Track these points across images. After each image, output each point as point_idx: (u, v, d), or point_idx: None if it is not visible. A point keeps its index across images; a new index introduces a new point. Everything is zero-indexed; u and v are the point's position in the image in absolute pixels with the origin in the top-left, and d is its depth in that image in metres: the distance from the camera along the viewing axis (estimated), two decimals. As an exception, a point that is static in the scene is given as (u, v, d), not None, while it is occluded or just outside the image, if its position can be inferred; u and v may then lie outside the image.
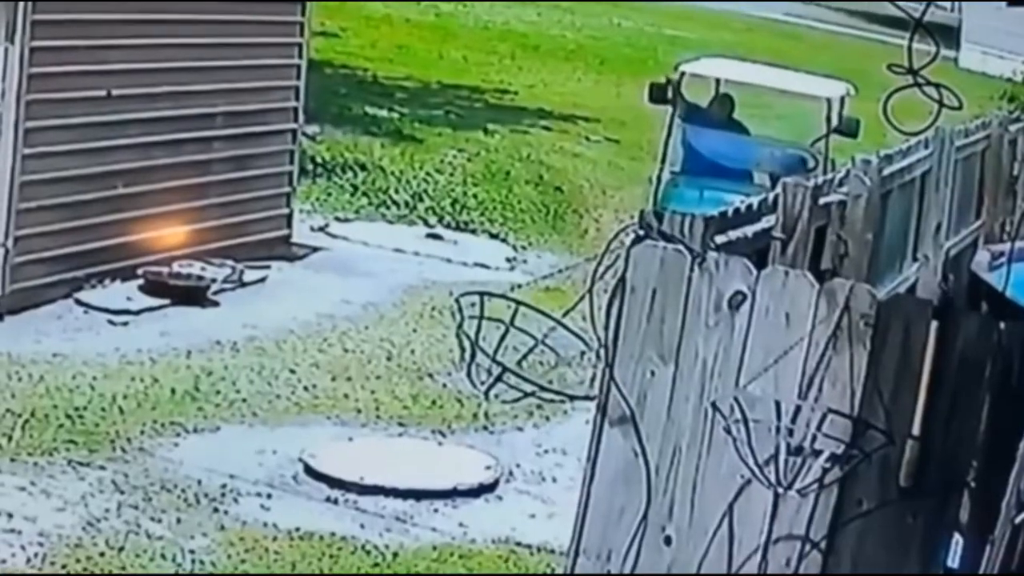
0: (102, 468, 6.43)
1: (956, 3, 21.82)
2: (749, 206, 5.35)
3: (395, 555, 5.95)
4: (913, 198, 8.22)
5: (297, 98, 10.26)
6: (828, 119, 10.26)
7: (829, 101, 10.37)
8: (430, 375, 8.10)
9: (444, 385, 7.93)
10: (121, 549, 5.72)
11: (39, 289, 8.57)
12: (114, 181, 9.01)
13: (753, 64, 12.15)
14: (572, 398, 7.74)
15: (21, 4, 8.21)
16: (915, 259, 8.41)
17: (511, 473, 6.85)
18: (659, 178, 10.63)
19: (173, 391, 7.43)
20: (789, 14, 25.20)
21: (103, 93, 8.82)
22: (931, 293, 7.83)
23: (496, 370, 8.23)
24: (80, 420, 6.91)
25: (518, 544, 6.13)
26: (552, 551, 5.93)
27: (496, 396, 8.38)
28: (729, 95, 10.91)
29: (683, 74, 10.53)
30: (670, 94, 10.45)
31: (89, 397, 7.19)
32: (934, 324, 3.65)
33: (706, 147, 10.52)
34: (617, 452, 3.92)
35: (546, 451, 7.17)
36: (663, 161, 10.63)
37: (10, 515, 5.92)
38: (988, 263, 4.35)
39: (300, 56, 10.23)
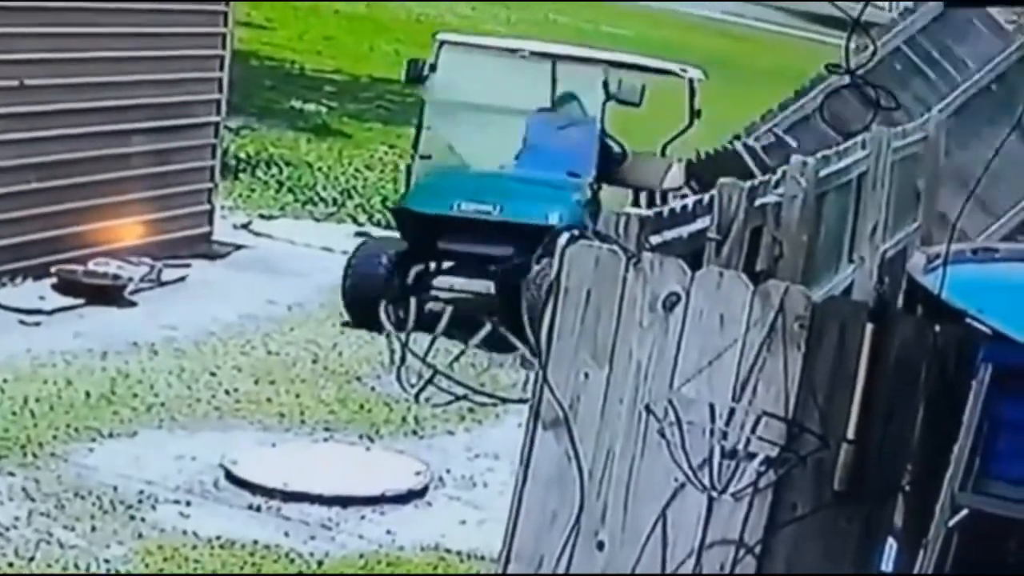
0: (11, 474, 6.37)
1: (894, 3, 22.26)
2: (684, 207, 5.43)
3: (320, 563, 5.95)
4: (849, 199, 8.39)
5: (220, 90, 10.21)
6: (605, 85, 9.28)
7: (606, 67, 9.43)
8: (358, 378, 8.10)
9: (372, 388, 7.94)
10: (31, 559, 5.67)
11: (-55, 287, 8.46)
12: (27, 175, 8.92)
13: (518, 38, 11.25)
14: (504, 401, 7.79)
15: (-71, -11, 8.11)
16: (851, 261, 8.57)
17: (441, 479, 6.87)
18: (409, 168, 9.53)
19: (88, 394, 7.38)
20: (728, 13, 25.51)
21: (15, 83, 8.72)
22: (867, 295, 7.98)
23: (426, 373, 8.26)
24: (-11, 424, 6.84)
25: (447, 551, 6.16)
26: (482, 558, 5.97)
27: (426, 399, 8.41)
28: (573, 94, 9.72)
29: (442, 44, 9.54)
30: (426, 71, 9.33)
31: (-1, 400, 7.12)
32: (869, 326, 3.74)
33: (463, 136, 9.40)
34: (550, 456, 3.97)
35: (477, 456, 7.21)
36: (415, 149, 9.46)
37: (-86, 524, 5.84)
38: (924, 265, 4.46)
39: (224, 47, 10.19)
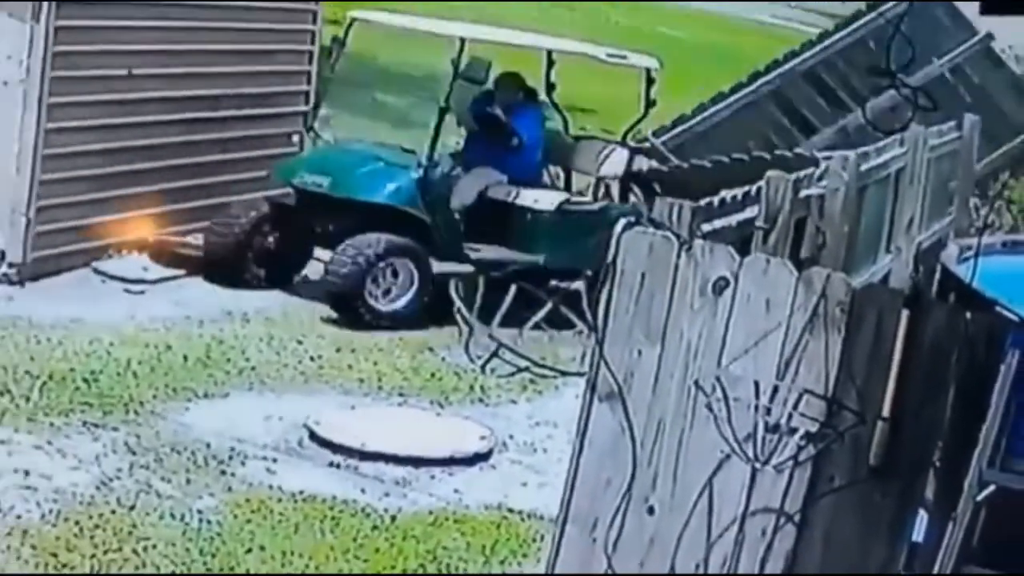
0: (115, 430, 6.47)
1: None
2: (735, 197, 5.40)
3: (393, 518, 6.00)
4: (888, 193, 8.30)
5: (309, 83, 10.30)
6: (454, 63, 8.80)
7: (462, 41, 8.88)
8: (430, 348, 8.15)
9: (443, 359, 7.98)
10: (132, 508, 5.76)
11: (59, 258, 8.60)
12: (132, 156, 9.04)
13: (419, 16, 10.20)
14: (564, 374, 7.81)
15: (47, -14, 8.22)
16: (889, 251, 8.49)
17: (505, 444, 6.90)
18: (301, 142, 9.25)
19: (185, 358, 7.48)
20: (777, 17, 25.28)
21: (124, 72, 8.84)
22: (903, 283, 7.90)
23: (492, 346, 8.27)
24: (95, 383, 6.95)
25: (510, 510, 6.19)
26: (541, 518, 5.99)
27: (492, 371, 8.44)
28: (516, 74, 9.22)
29: (352, 21, 9.13)
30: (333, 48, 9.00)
31: (105, 362, 7.23)
32: (905, 313, 3.71)
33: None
34: (605, 426, 3.98)
35: (538, 424, 7.22)
36: (310, 130, 9.15)
37: (27, 472, 5.96)
38: (957, 256, 4.42)
39: (313, 43, 10.27)
